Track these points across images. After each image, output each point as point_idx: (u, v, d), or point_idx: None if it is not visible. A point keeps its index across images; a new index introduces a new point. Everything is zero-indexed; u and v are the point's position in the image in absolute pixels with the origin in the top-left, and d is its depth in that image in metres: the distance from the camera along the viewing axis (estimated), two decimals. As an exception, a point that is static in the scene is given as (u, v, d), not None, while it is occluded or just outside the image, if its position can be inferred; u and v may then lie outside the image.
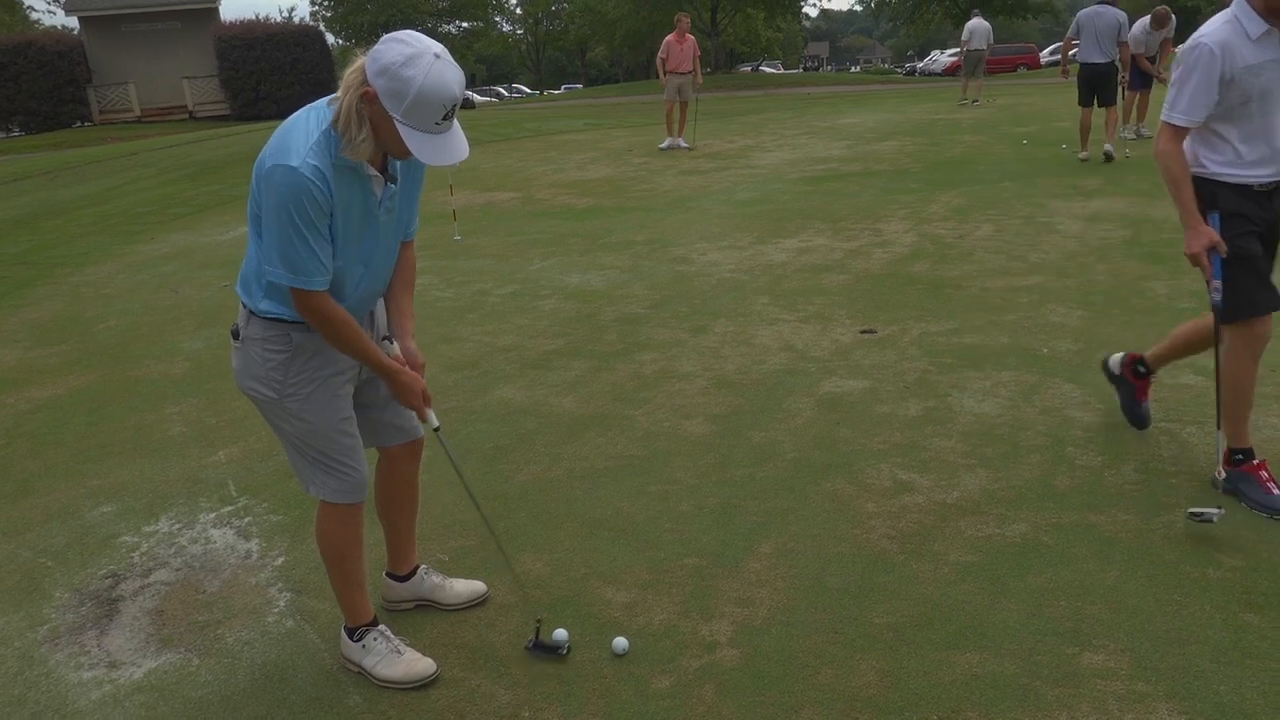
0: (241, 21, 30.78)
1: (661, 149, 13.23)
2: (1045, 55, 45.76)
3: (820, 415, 3.84)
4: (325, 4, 38.81)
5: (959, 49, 20.10)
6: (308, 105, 2.12)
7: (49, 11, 36.71)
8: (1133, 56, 10.25)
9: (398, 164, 2.21)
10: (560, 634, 2.46)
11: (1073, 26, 9.67)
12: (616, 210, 9.06)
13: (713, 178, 10.60)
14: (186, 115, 29.54)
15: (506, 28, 51.51)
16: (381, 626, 2.46)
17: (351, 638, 2.44)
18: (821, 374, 4.30)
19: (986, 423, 3.66)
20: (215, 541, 3.19)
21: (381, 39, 2.01)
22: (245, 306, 2.23)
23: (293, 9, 48.06)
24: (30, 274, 8.32)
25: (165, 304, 6.72)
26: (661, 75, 13.11)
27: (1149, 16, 10.58)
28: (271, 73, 28.87)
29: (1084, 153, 9.79)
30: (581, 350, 4.90)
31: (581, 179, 11.25)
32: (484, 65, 64.71)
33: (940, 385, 4.07)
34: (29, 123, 28.43)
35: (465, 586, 2.72)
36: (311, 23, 36.28)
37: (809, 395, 4.06)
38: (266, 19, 32.18)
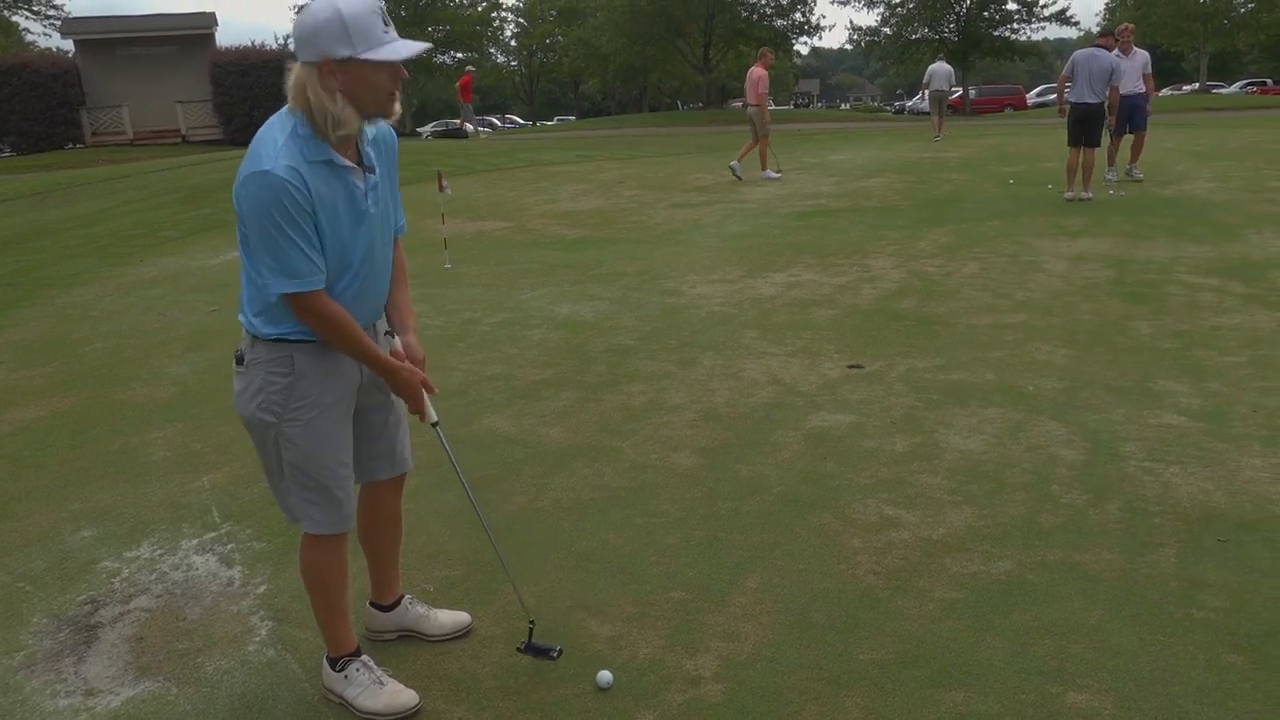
0: (237, 48, 30.96)
1: (774, 176, 13.24)
2: (1032, 96, 46.51)
3: (807, 450, 3.85)
4: (321, 32, 39.02)
5: (921, 91, 21.76)
6: (267, 122, 2.11)
7: (45, 34, 36.87)
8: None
9: (371, 153, 2.20)
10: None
11: (1068, 66, 9.90)
12: (607, 241, 9.11)
13: (703, 211, 10.68)
14: (179, 139, 29.60)
15: (501, 59, 52.03)
16: (364, 657, 2.44)
17: (334, 668, 2.42)
18: (809, 408, 4.32)
19: (972, 459, 3.68)
20: (197, 568, 3.16)
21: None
22: (248, 332, 2.20)
23: (288, 36, 48.93)
24: (17, 295, 8.28)
25: (152, 327, 6.70)
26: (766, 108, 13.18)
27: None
28: (265, 98, 28.95)
29: (1069, 192, 9.92)
30: (570, 381, 4.90)
31: (573, 210, 11.31)
32: (478, 95, 65.21)
33: (927, 421, 4.09)
34: (21, 143, 28.44)
35: (449, 617, 2.70)
36: (307, 50, 36.50)
37: (796, 429, 4.07)
38: (262, 45, 32.40)
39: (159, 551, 3.30)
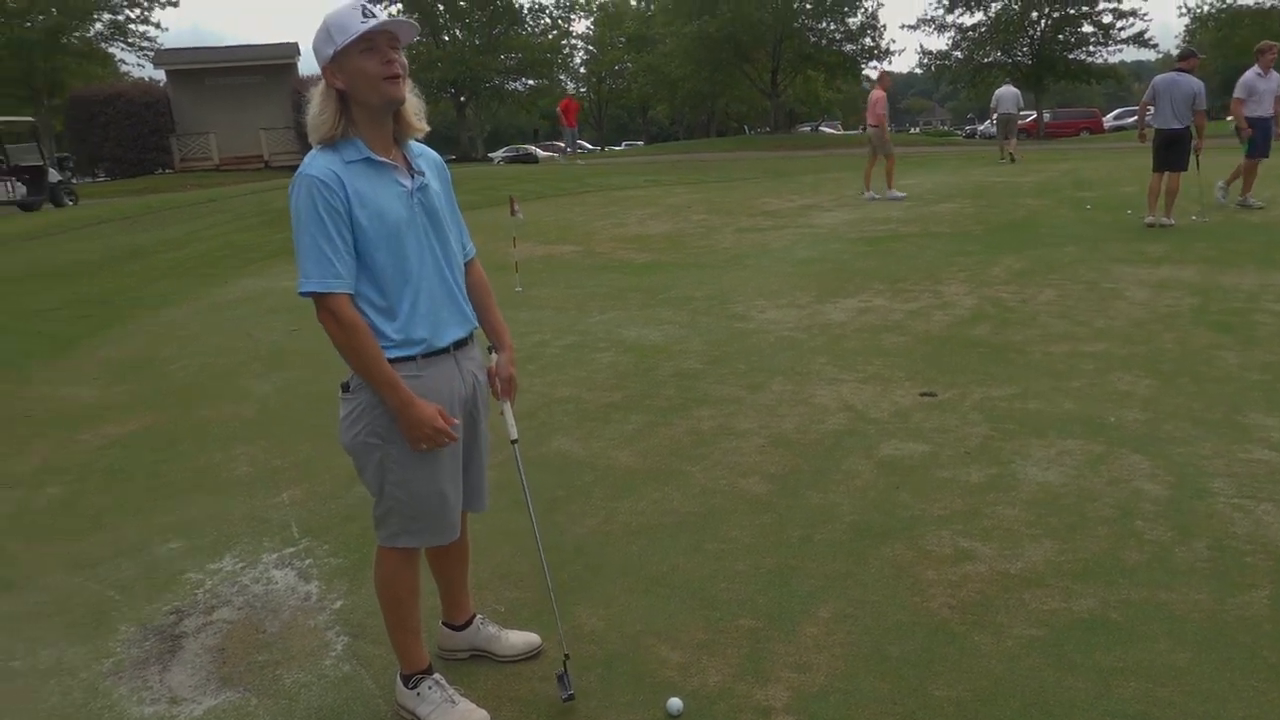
0: (319, 76, 32.05)
1: (899, 197, 13.34)
2: (1109, 119, 45.35)
3: (879, 478, 3.80)
4: (398, 61, 40.18)
5: (990, 115, 22.75)
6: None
7: (139, 65, 38.73)
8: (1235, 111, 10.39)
9: (419, 160, 2.29)
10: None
11: (1149, 91, 9.72)
12: (675, 266, 9.15)
13: (771, 236, 10.66)
14: (262, 164, 30.71)
15: (571, 86, 52.84)
16: (436, 675, 2.47)
17: (406, 685, 2.45)
18: (881, 436, 4.26)
19: (1051, 492, 3.59)
20: (277, 582, 3.25)
21: None
22: None
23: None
24: (110, 314, 8.65)
25: (236, 347, 6.93)
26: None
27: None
28: (345, 125, 29.92)
29: (1150, 217, 9.66)
30: (639, 404, 4.92)
31: (641, 234, 11.39)
32: (548, 120, 66.25)
33: (1003, 452, 4.00)
34: (114, 169, 29.87)
35: (520, 638, 2.72)
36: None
37: (868, 457, 4.02)
38: (343, 74, 33.48)
39: (240, 565, 3.40)
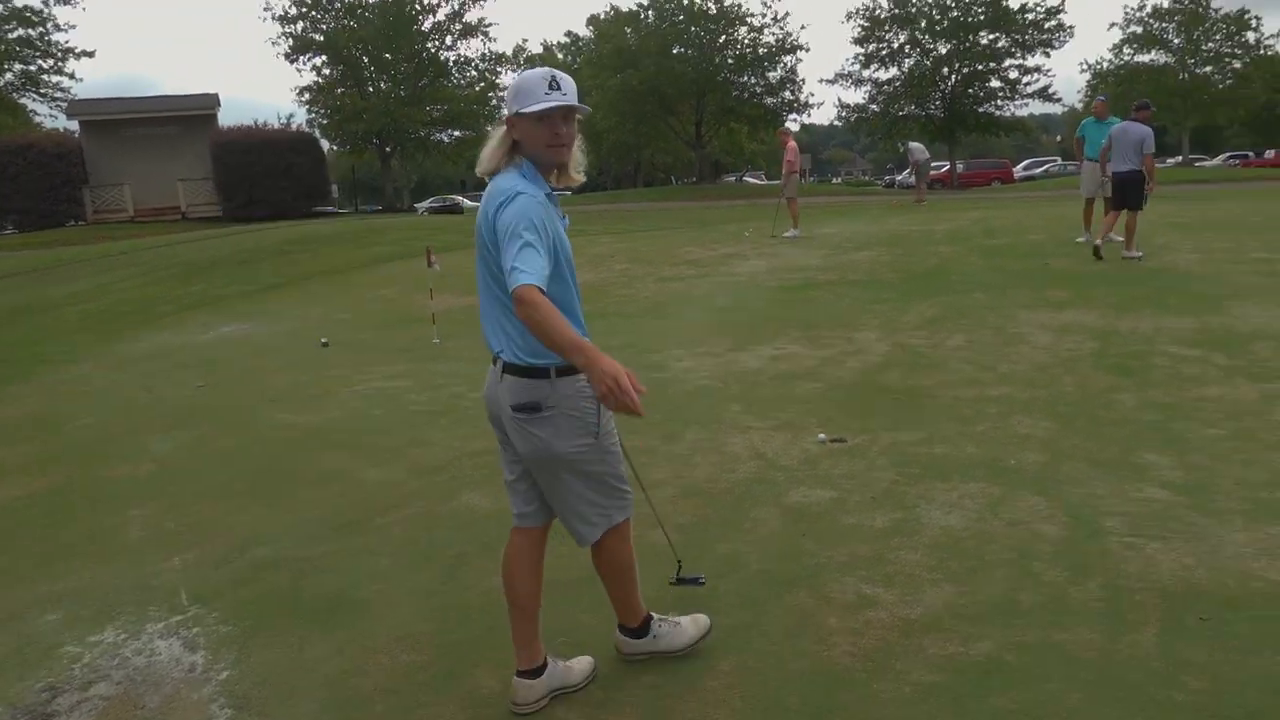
0: (240, 127, 31.61)
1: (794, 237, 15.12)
2: (1019, 170, 47.34)
3: (786, 526, 3.81)
4: (322, 112, 39.91)
5: (909, 166, 26.64)
6: (500, 180, 2.42)
7: (51, 115, 37.70)
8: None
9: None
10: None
11: (1106, 138, 10.93)
12: (595, 315, 9.15)
13: (692, 284, 10.78)
14: (179, 216, 30.02)
15: (498, 137, 52.97)
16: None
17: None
18: (789, 483, 4.29)
19: (952, 535, 3.64)
20: (160, 653, 3.10)
21: None
22: (541, 374, 2.43)
23: (290, 115, 49.88)
24: (9, 371, 8.30)
25: (140, 404, 6.69)
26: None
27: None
28: (265, 176, 29.50)
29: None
30: (552, 456, 4.87)
31: (563, 284, 11.39)
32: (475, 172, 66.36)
33: (907, 496, 4.05)
34: (23, 221, 28.82)
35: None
36: (308, 129, 37.25)
37: (776, 505, 4.03)
38: (265, 124, 33.07)
39: (123, 635, 3.23)
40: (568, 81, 2.40)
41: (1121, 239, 11.02)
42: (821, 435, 4.91)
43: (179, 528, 4.20)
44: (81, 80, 57.14)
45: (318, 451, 5.23)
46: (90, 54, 31.98)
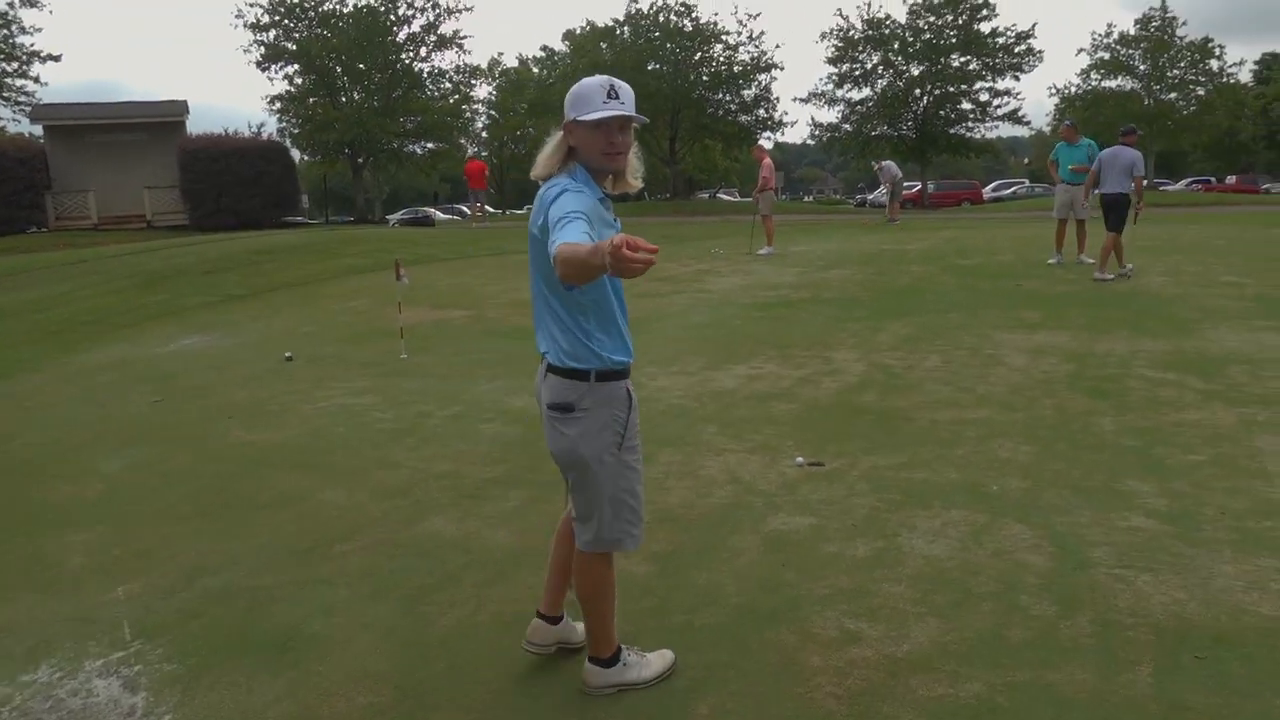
0: (209, 135, 31.08)
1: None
2: (988, 191, 47.90)
3: (765, 555, 3.66)
4: (294, 121, 39.39)
5: (884, 184, 26.06)
6: (549, 186, 2.45)
7: (14, 120, 36.82)
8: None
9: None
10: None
11: (1095, 162, 11.17)
12: (568, 331, 8.98)
13: (667, 301, 10.65)
14: (144, 224, 29.43)
15: (472, 149, 52.80)
16: (622, 645, 2.77)
17: (612, 664, 2.72)
18: (768, 509, 4.14)
19: (936, 566, 3.51)
20: (98, 694, 2.88)
21: None
22: (581, 378, 2.50)
23: (262, 125, 49.25)
24: (-48, 384, 7.96)
25: (91, 419, 6.42)
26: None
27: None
28: (234, 185, 28.99)
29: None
30: (521, 479, 4.70)
31: (535, 299, 11.22)
32: (448, 184, 66.01)
33: (889, 524, 3.93)
34: (-18, 227, 28.08)
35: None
36: (279, 139, 36.70)
37: (754, 532, 3.89)
38: (235, 133, 32.56)
39: (58, 675, 3.01)
40: (626, 91, 2.46)
41: (1093, 260, 11.17)
42: (799, 458, 4.78)
43: (125, 554, 3.97)
44: (47, 84, 56.26)
45: (275, 472, 5.01)
46: (56, 58, 31.30)
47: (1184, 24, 41.88)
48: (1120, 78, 43.40)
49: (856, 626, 3.08)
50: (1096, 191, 11.08)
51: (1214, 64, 41.94)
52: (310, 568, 3.73)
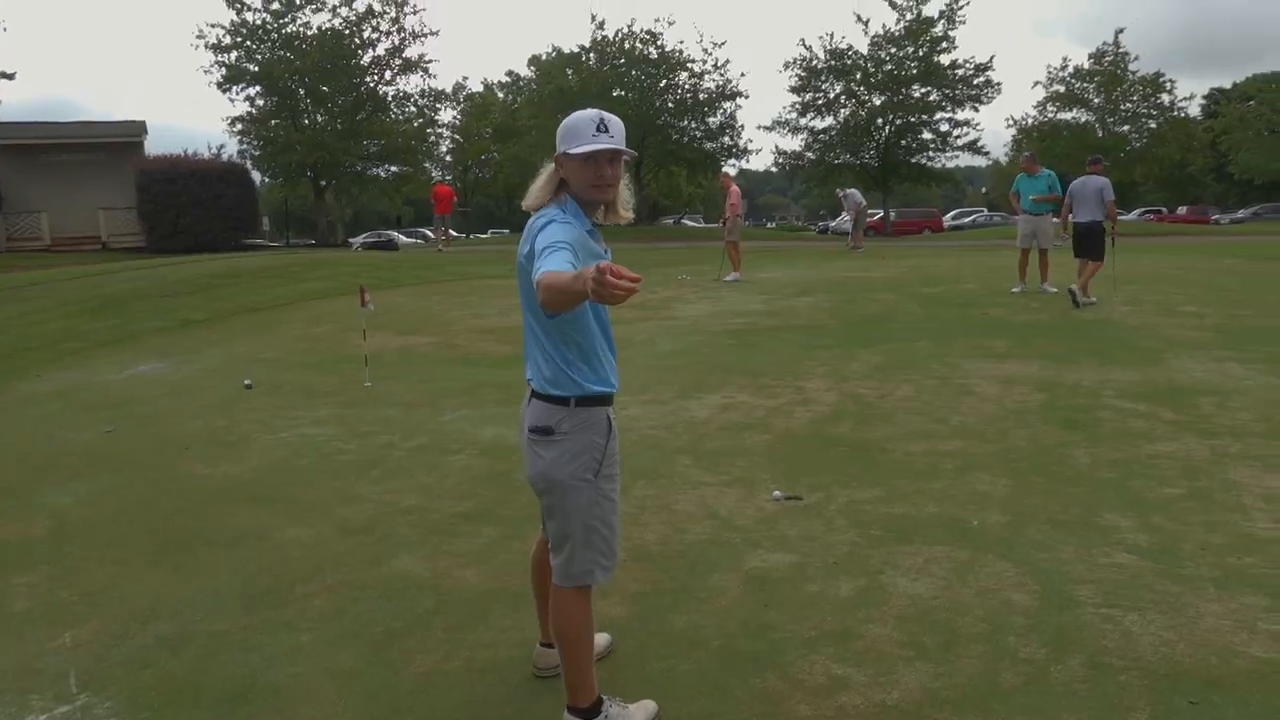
0: (167, 156, 30.58)
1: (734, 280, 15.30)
2: (948, 219, 48.70)
3: (747, 595, 3.56)
4: (255, 143, 38.92)
5: (848, 211, 26.64)
6: (538, 216, 2.49)
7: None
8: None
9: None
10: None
11: (1067, 195, 11.47)
12: (536, 359, 8.85)
13: (635, 328, 10.56)
14: (99, 246, 28.82)
15: (437, 173, 52.57)
16: (603, 694, 2.67)
17: (593, 714, 2.61)
18: (746, 546, 4.04)
19: (922, 605, 3.43)
20: (39, 753, 2.69)
21: None
22: (561, 402, 2.53)
23: (222, 146, 48.39)
24: (-109, 412, 7.62)
25: (38, 450, 6.16)
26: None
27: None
28: (193, 207, 28.54)
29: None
30: (492, 514, 4.56)
31: (502, 325, 11.08)
32: (412, 208, 65.65)
33: (871, 561, 3.84)
34: (-72, 248, 27.33)
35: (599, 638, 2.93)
36: (239, 160, 36.22)
37: (734, 571, 3.78)
38: (195, 154, 32.07)
39: (-4, 731, 2.81)
40: (616, 124, 2.48)
41: (1056, 290, 11.45)
42: (777, 492, 4.69)
43: (73, 597, 3.76)
44: (1, 103, 55.07)
45: (234, 506, 4.82)
46: (10, 76, 30.54)
47: (1136, 59, 42.94)
48: (1075, 110, 44.37)
49: (844, 671, 2.98)
50: (1072, 220, 11.36)
51: (1165, 98, 43.03)
52: (270, 611, 3.55)
